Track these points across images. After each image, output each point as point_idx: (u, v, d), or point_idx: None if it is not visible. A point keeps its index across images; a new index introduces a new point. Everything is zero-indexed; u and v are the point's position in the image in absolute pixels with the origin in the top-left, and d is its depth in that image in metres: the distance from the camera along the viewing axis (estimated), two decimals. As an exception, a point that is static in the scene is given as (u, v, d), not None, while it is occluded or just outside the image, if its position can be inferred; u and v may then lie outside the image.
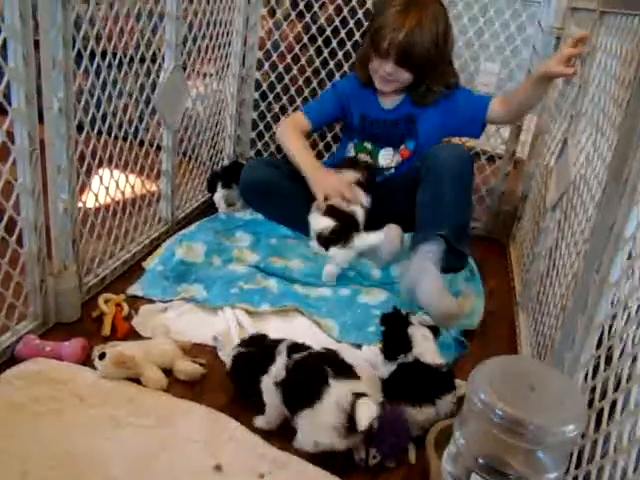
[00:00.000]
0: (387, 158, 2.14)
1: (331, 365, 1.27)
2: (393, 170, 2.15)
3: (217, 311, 1.69)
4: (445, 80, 2.06)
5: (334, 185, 1.96)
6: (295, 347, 1.36)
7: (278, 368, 1.31)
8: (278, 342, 1.38)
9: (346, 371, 1.29)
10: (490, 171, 2.45)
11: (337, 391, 1.22)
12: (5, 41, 1.23)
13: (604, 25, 1.54)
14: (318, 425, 1.22)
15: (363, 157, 2.14)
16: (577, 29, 1.96)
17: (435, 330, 1.52)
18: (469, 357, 1.67)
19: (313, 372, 1.27)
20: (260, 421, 1.34)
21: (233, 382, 1.41)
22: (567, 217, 1.52)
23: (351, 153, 2.17)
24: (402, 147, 2.13)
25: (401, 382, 1.40)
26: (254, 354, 1.37)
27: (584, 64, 1.66)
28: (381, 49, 1.95)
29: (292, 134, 2.14)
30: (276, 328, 1.61)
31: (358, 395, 1.21)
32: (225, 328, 1.61)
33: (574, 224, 1.43)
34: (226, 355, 1.44)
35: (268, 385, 1.32)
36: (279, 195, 2.13)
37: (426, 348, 1.44)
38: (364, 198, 1.99)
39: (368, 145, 2.16)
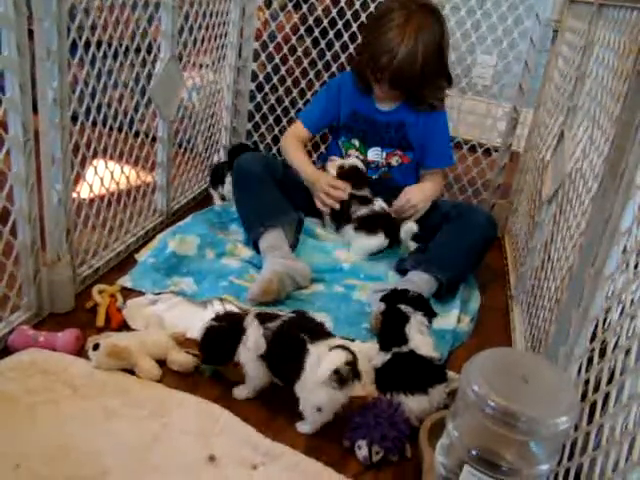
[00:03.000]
0: (376, 157, 2.15)
1: (306, 331, 1.32)
2: (386, 168, 2.15)
3: (206, 305, 1.68)
4: (440, 90, 2.09)
5: (322, 187, 2.05)
6: (263, 316, 1.39)
7: (255, 339, 1.33)
8: (243, 315, 1.43)
9: (320, 333, 1.34)
10: (486, 164, 2.44)
11: (316, 353, 1.27)
12: (-1, 30, 1.23)
13: (602, 18, 1.54)
14: (313, 389, 1.26)
15: (353, 154, 2.14)
16: (574, 22, 1.96)
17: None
18: (463, 350, 1.68)
19: (292, 342, 1.31)
20: (240, 391, 1.39)
21: (202, 354, 1.42)
22: (563, 210, 1.52)
23: (340, 151, 2.17)
24: (397, 152, 2.13)
25: (394, 371, 1.41)
26: (224, 328, 1.40)
27: (582, 57, 1.66)
28: (376, 73, 1.98)
29: (293, 147, 2.19)
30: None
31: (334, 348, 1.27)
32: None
33: (570, 217, 1.43)
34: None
35: (249, 358, 1.35)
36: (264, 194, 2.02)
37: (422, 341, 1.46)
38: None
39: (356, 142, 2.15)
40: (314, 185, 2.08)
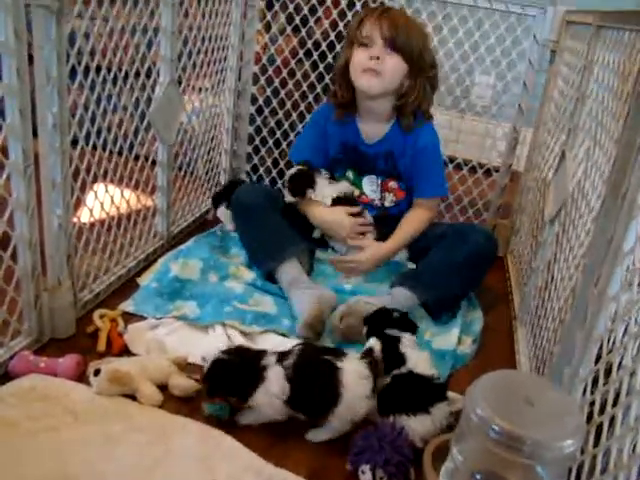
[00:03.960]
0: (372, 186, 2.11)
1: (326, 354, 1.35)
2: (384, 208, 2.13)
3: (208, 329, 1.67)
4: (428, 100, 2.01)
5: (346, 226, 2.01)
6: (278, 355, 1.37)
7: (281, 385, 1.30)
8: (259, 352, 1.38)
9: (339, 352, 1.37)
10: (487, 184, 2.45)
11: (349, 366, 1.31)
12: (-1, 57, 1.23)
13: (601, 39, 1.54)
14: (353, 404, 1.29)
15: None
16: (572, 42, 1.97)
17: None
18: (466, 371, 1.67)
19: (319, 368, 1.32)
20: (244, 418, 1.36)
21: (207, 388, 1.36)
22: (565, 230, 1.52)
23: None
24: (390, 183, 2.09)
25: (395, 393, 1.40)
26: (234, 362, 1.34)
27: (582, 77, 1.66)
28: (366, 35, 1.88)
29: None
30: (266, 345, 1.59)
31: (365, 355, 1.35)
32: (216, 347, 1.57)
33: (572, 237, 1.42)
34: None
35: (271, 403, 1.31)
36: (266, 223, 1.98)
37: (418, 358, 1.46)
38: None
39: (350, 174, 2.12)
40: (338, 231, 2.03)
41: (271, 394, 1.30)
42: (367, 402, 1.31)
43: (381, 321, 1.56)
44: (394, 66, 1.90)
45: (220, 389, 1.34)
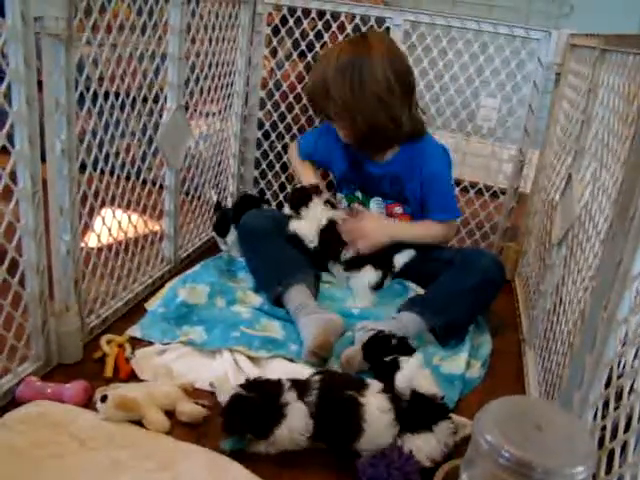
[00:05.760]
0: (379, 208, 2.11)
1: (348, 387, 1.36)
2: None
3: (215, 354, 1.66)
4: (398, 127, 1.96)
5: None
6: (298, 388, 1.36)
7: (305, 423, 1.31)
8: (278, 386, 1.36)
9: (360, 384, 1.39)
10: (493, 207, 2.44)
11: (372, 402, 1.33)
12: (9, 84, 1.24)
13: (605, 62, 1.55)
14: (376, 437, 1.32)
15: (357, 207, 2.12)
16: (577, 65, 1.97)
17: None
18: (474, 395, 1.66)
19: (343, 405, 1.33)
20: (256, 446, 1.34)
21: (225, 424, 1.34)
22: (573, 253, 1.51)
23: (343, 204, 2.17)
24: (395, 208, 2.09)
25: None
26: (254, 399, 1.32)
27: (587, 100, 1.66)
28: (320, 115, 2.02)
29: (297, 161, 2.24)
30: (274, 370, 1.60)
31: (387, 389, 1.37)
32: (223, 372, 1.58)
33: (580, 260, 1.42)
34: (224, 395, 1.37)
35: (296, 439, 1.32)
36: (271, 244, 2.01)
37: (421, 378, 1.44)
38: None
39: (359, 194, 2.13)
40: None
41: (294, 431, 1.30)
42: (389, 430, 1.32)
43: (379, 348, 1.55)
44: (344, 124, 1.98)
45: (239, 426, 1.33)
